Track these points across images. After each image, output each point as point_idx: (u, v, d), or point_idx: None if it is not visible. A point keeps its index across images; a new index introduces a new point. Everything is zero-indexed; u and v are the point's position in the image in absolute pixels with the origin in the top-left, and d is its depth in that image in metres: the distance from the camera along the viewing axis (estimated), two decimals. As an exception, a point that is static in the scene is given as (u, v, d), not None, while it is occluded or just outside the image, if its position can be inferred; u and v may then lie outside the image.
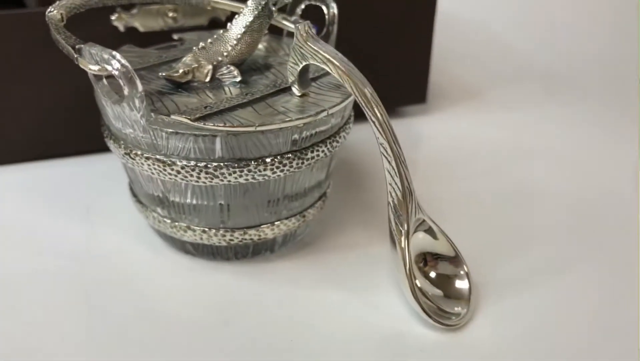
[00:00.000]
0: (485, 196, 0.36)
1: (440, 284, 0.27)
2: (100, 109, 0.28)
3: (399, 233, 0.26)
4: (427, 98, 0.46)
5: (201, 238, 0.29)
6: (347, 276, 0.30)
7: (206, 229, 0.28)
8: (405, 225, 0.26)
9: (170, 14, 0.36)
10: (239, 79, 0.28)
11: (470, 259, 0.29)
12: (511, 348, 0.26)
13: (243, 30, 0.29)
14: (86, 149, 0.39)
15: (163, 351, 0.25)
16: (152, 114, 0.25)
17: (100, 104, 0.27)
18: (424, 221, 0.27)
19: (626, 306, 0.28)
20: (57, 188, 0.36)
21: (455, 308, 0.27)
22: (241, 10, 0.29)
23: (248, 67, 0.30)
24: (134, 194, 0.31)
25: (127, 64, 0.24)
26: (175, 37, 0.34)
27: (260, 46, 0.33)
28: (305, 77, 0.28)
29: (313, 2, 0.33)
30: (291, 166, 0.27)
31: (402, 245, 0.26)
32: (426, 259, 0.27)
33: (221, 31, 0.29)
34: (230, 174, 0.26)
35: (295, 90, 0.28)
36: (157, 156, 0.26)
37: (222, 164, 0.26)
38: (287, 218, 0.29)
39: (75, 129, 0.38)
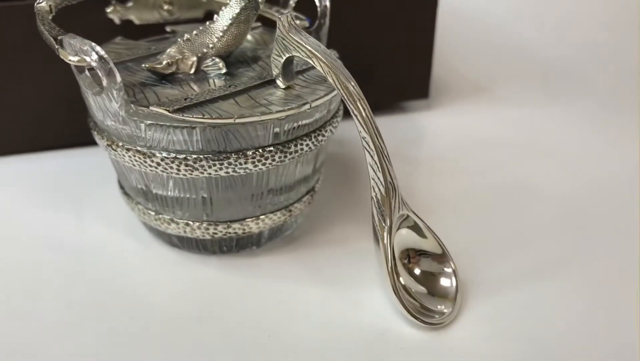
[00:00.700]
0: (482, 194, 0.36)
1: (424, 282, 0.27)
2: (85, 100, 0.28)
3: (381, 228, 0.26)
4: (430, 93, 0.46)
5: (185, 231, 0.28)
6: (332, 272, 0.29)
7: (189, 222, 0.28)
8: (388, 221, 0.26)
9: (166, 7, 0.36)
10: (224, 71, 0.28)
11: (461, 257, 0.29)
12: (495, 348, 0.25)
13: (229, 22, 0.28)
14: (80, 141, 0.39)
15: (145, 343, 0.25)
16: (132, 105, 0.25)
17: (84, 96, 0.27)
18: (408, 216, 0.27)
19: (616, 308, 0.27)
20: (48, 180, 0.36)
21: (439, 307, 0.26)
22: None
23: (235, 59, 0.30)
24: (121, 186, 0.31)
25: (105, 55, 0.24)
26: (168, 29, 0.34)
27: (251, 38, 0.33)
28: (289, 69, 0.27)
29: (305, -6, 0.33)
30: (273, 160, 0.26)
31: (385, 241, 0.26)
32: (410, 255, 0.27)
33: (207, 23, 0.29)
34: (210, 167, 0.26)
35: (280, 82, 0.27)
36: (138, 148, 0.26)
37: (201, 156, 0.25)
38: (272, 212, 0.29)
39: (69, 122, 0.38)
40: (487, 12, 0.66)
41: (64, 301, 0.27)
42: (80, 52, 0.24)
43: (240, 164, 0.26)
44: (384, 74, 0.43)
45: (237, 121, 0.25)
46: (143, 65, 0.28)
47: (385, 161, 0.25)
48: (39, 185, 0.36)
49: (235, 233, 0.28)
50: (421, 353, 0.25)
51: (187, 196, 0.27)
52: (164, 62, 0.27)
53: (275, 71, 0.27)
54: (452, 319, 0.26)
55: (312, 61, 0.25)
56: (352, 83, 0.25)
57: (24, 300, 0.27)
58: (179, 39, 0.28)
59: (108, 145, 0.27)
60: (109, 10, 0.35)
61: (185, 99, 0.26)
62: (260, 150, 0.26)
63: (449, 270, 0.27)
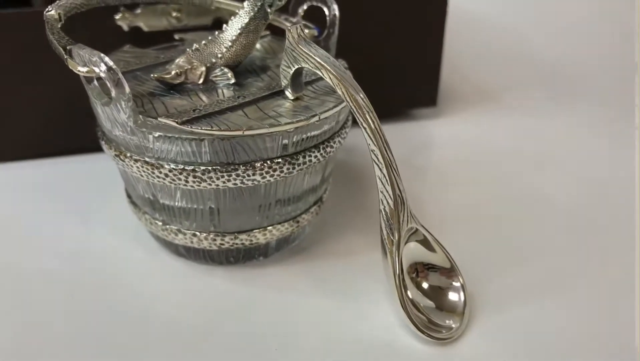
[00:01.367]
0: (489, 205, 0.35)
1: (433, 296, 0.27)
2: (93, 110, 0.28)
3: (390, 242, 0.26)
4: (438, 101, 0.45)
5: (192, 242, 0.28)
6: (339, 283, 0.29)
7: (197, 232, 0.28)
8: (397, 234, 0.26)
9: (174, 14, 0.36)
10: (232, 81, 0.28)
11: (469, 270, 0.29)
12: (503, 364, 0.25)
13: (238, 31, 0.28)
14: (90, 147, 0.39)
15: (151, 353, 0.25)
16: (140, 116, 0.25)
17: (93, 106, 0.27)
18: (416, 230, 0.27)
19: (627, 323, 0.27)
20: (55, 187, 0.36)
21: (447, 321, 0.26)
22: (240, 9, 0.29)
23: (244, 68, 0.30)
24: (129, 195, 0.30)
25: (114, 66, 0.24)
26: (176, 37, 0.34)
27: (259, 47, 0.32)
28: (298, 80, 0.27)
29: (314, 3, 0.33)
30: (281, 171, 0.26)
31: (393, 255, 0.26)
32: (418, 269, 0.27)
33: (216, 32, 0.29)
34: (218, 178, 0.26)
35: (288, 93, 0.27)
36: (146, 159, 0.26)
37: (210, 168, 0.25)
38: (279, 223, 0.29)
39: (78, 127, 0.38)
40: (495, 19, 0.65)
41: (69, 309, 0.27)
42: (89, 63, 0.24)
43: (249, 175, 0.26)
44: (392, 81, 0.43)
45: (246, 133, 0.25)
46: (152, 75, 0.28)
47: (394, 174, 0.25)
48: (46, 191, 0.36)
49: (243, 244, 0.28)
50: (429, 368, 0.25)
51: (195, 206, 0.27)
52: (173, 72, 0.27)
53: (284, 82, 0.27)
54: (460, 334, 0.26)
55: (321, 72, 0.25)
56: (361, 95, 0.25)
57: (30, 308, 0.27)
58: (187, 49, 0.28)
59: (116, 155, 0.27)
60: (117, 17, 0.35)
61: (194, 110, 0.25)
62: (268, 162, 0.26)
63: (457, 284, 0.27)
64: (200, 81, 0.28)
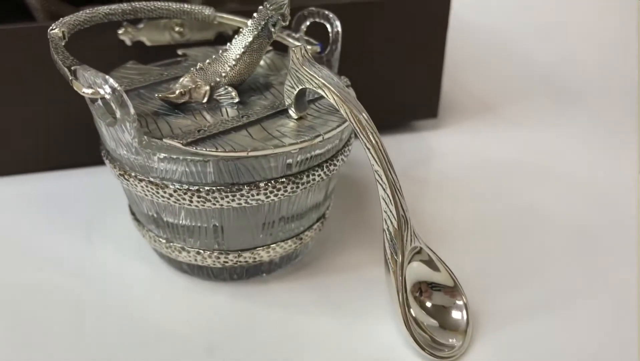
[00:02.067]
0: (491, 219, 0.35)
1: (436, 315, 0.27)
2: (97, 129, 0.28)
3: (393, 262, 0.26)
4: (439, 112, 0.46)
5: (195, 260, 0.28)
6: (342, 300, 0.29)
7: (200, 250, 0.28)
8: (400, 255, 0.26)
9: (177, 29, 0.36)
10: (236, 100, 0.28)
11: (471, 287, 0.29)
12: (506, 384, 0.25)
13: (242, 50, 0.28)
14: (94, 161, 0.39)
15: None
16: (145, 137, 0.25)
17: (97, 125, 0.27)
18: (420, 249, 0.27)
19: (632, 340, 0.27)
20: (58, 201, 0.36)
21: (450, 340, 0.26)
22: (243, 26, 0.29)
23: (248, 86, 0.30)
24: (132, 212, 0.31)
25: (119, 87, 0.24)
26: (179, 52, 0.34)
27: (262, 63, 0.33)
28: (302, 100, 0.27)
29: (317, 20, 0.33)
30: (286, 190, 0.26)
31: (396, 275, 0.26)
32: (422, 289, 0.27)
33: (220, 51, 0.29)
34: (222, 198, 0.26)
35: (292, 113, 0.27)
36: (150, 178, 0.26)
37: (214, 188, 0.25)
38: (283, 241, 0.29)
39: (82, 142, 0.38)
40: (496, 30, 0.66)
41: (71, 327, 0.27)
42: (94, 85, 0.24)
43: (253, 195, 0.26)
44: (393, 92, 0.43)
45: (250, 154, 0.25)
46: (156, 95, 0.28)
47: (397, 195, 0.25)
48: (48, 205, 0.35)
49: (246, 261, 0.28)
50: (432, 387, 0.25)
51: (199, 224, 0.27)
52: (177, 92, 0.27)
53: (288, 101, 0.27)
54: (463, 352, 0.26)
55: (325, 93, 0.25)
56: (364, 115, 0.25)
57: (33, 325, 0.27)
58: (192, 68, 0.28)
59: (120, 175, 0.27)
60: (120, 31, 0.35)
61: (199, 131, 0.26)
62: (272, 181, 0.26)
63: (460, 303, 0.27)
64: (204, 100, 0.28)
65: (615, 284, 0.31)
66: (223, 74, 0.28)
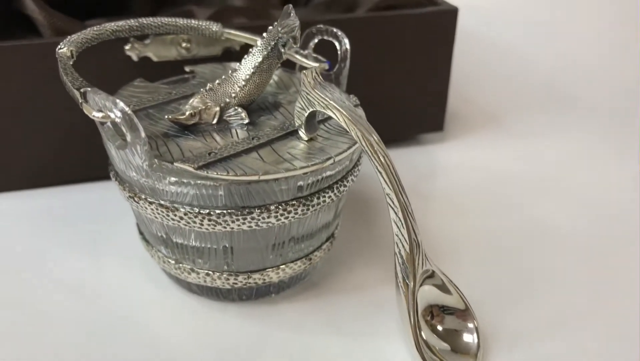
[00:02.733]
0: (499, 235, 0.35)
1: (447, 338, 0.27)
2: (106, 150, 0.28)
3: (405, 286, 0.26)
4: (445, 125, 0.45)
5: (205, 281, 0.28)
6: (351, 320, 0.29)
7: (210, 272, 0.28)
8: (412, 280, 0.26)
9: (184, 44, 0.36)
10: (246, 121, 0.28)
11: (481, 306, 0.29)
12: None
13: (252, 70, 0.28)
14: (100, 175, 0.39)
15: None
16: (156, 160, 0.25)
17: (106, 146, 0.27)
18: (433, 272, 0.27)
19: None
20: (65, 215, 0.36)
21: (462, 364, 0.26)
22: (253, 45, 0.29)
23: (257, 105, 0.30)
24: (140, 232, 0.30)
25: (129, 111, 0.24)
26: (187, 69, 0.34)
27: (270, 80, 0.32)
28: (312, 121, 0.27)
29: (326, 38, 0.33)
30: (296, 213, 0.26)
31: (407, 299, 0.26)
32: (433, 313, 0.27)
33: (229, 72, 0.29)
34: (233, 222, 0.25)
35: (302, 134, 0.27)
36: (161, 201, 0.26)
37: (225, 211, 0.25)
38: (292, 262, 0.29)
39: (90, 156, 0.38)
40: (502, 43, 0.65)
41: (76, 347, 0.27)
42: (104, 108, 0.24)
43: (264, 218, 0.26)
44: (399, 106, 0.43)
45: (262, 178, 0.24)
46: (166, 116, 0.27)
47: (409, 218, 0.25)
48: (54, 221, 0.35)
49: (256, 283, 0.28)
50: (444, 412, 0.25)
51: (209, 245, 0.27)
52: (187, 113, 0.27)
53: (298, 122, 0.27)
54: (474, 376, 0.26)
55: (336, 115, 0.25)
56: (375, 137, 0.25)
57: (38, 345, 0.27)
58: (201, 89, 0.28)
59: (130, 197, 0.27)
60: (127, 47, 0.35)
61: (209, 154, 0.25)
62: (283, 204, 0.26)
63: (471, 325, 0.27)
64: (214, 121, 0.28)
65: (624, 300, 0.30)
66: (233, 95, 0.28)
